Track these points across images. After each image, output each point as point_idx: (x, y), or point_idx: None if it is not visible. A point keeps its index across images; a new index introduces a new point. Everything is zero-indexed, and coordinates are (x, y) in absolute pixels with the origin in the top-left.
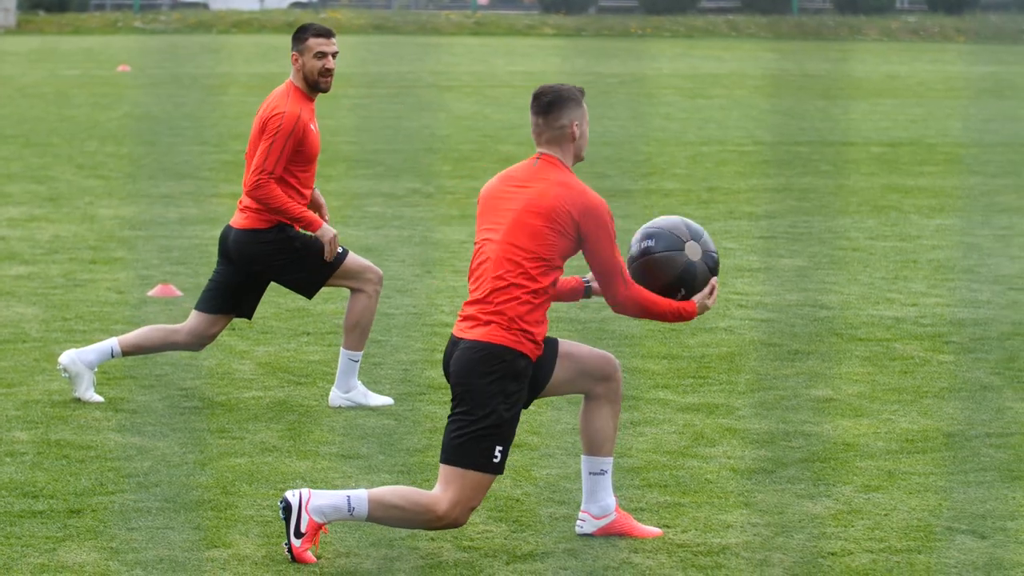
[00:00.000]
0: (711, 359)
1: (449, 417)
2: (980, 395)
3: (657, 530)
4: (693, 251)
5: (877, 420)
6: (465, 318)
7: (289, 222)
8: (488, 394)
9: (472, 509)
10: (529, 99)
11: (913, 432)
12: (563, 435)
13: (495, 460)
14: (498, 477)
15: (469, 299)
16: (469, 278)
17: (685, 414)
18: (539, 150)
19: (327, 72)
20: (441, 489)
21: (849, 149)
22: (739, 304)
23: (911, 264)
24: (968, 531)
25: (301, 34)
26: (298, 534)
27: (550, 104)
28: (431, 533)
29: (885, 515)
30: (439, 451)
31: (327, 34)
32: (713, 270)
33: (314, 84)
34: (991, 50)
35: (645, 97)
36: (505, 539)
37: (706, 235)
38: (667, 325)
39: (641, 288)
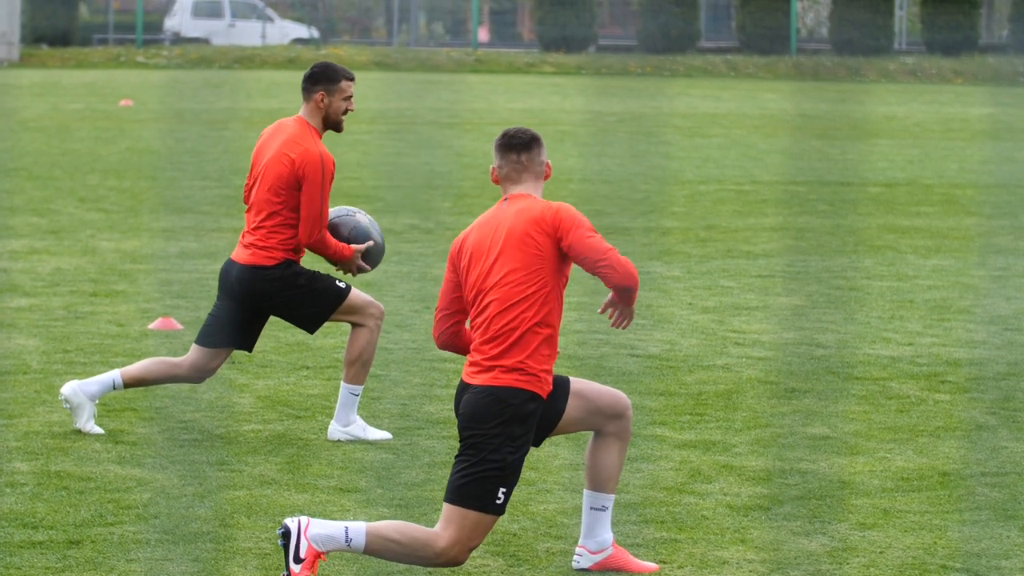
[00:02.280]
0: (708, 396)
1: (456, 458)
2: (976, 434)
3: (653, 565)
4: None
5: (873, 458)
6: (472, 363)
7: (334, 260)
8: (494, 438)
9: (471, 549)
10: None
11: (909, 470)
12: (560, 471)
13: (498, 502)
14: None
15: (475, 343)
16: (471, 323)
17: (682, 451)
18: (513, 190)
19: (347, 113)
20: (442, 527)
21: (846, 189)
22: (736, 342)
23: (907, 304)
24: (963, 569)
25: (333, 75)
26: (297, 559)
27: (531, 141)
28: (429, 567)
29: (880, 553)
30: (437, 485)
31: (354, 78)
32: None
33: (335, 124)
34: (988, 92)
35: (644, 136)
36: (502, 573)
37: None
38: (664, 362)
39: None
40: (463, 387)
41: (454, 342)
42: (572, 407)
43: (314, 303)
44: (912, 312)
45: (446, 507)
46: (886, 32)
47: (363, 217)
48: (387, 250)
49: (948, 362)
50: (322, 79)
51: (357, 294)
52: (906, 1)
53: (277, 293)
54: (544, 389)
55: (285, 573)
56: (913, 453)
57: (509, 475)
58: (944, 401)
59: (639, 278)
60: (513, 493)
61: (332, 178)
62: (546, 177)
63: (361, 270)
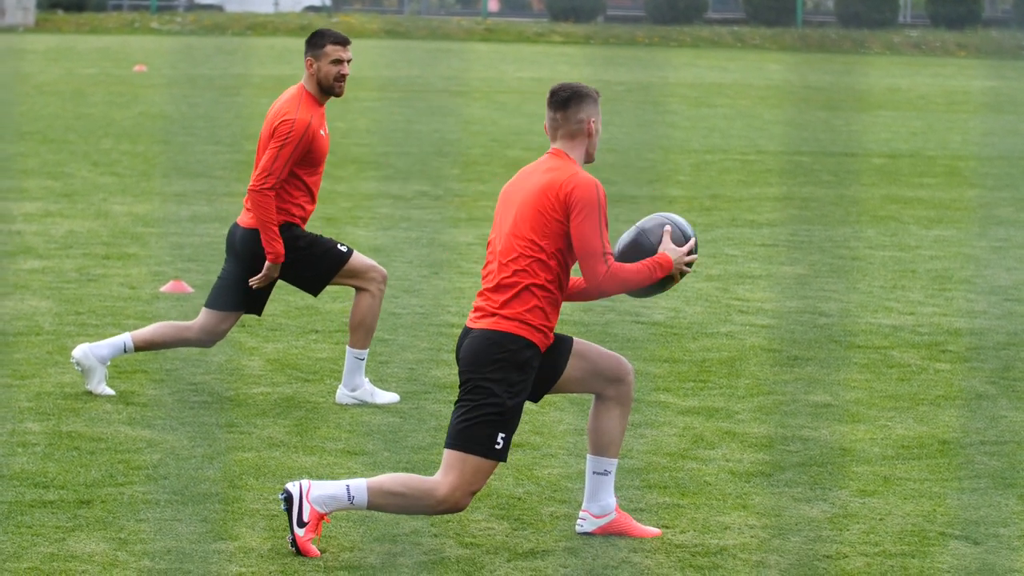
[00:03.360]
0: (712, 363)
1: (455, 404)
2: (975, 403)
3: (656, 530)
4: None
5: (874, 426)
6: (476, 308)
7: (263, 233)
8: (491, 381)
9: (473, 493)
10: (538, 104)
11: (909, 439)
12: (565, 435)
13: (497, 447)
14: (500, 475)
15: (481, 290)
16: (483, 269)
17: (685, 417)
18: (552, 146)
19: (341, 78)
20: (443, 474)
21: (850, 160)
22: (740, 310)
23: (909, 274)
24: (962, 537)
25: (318, 40)
26: (300, 523)
27: (568, 99)
28: (434, 528)
29: (880, 520)
30: (444, 449)
31: (344, 42)
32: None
33: (328, 89)
34: (991, 65)
35: (651, 105)
36: (506, 536)
37: (681, 223)
38: (668, 329)
39: (621, 264)
40: (464, 332)
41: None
42: (572, 367)
43: (315, 266)
44: (914, 282)
45: (447, 453)
46: (891, 5)
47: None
48: (395, 216)
49: (949, 332)
50: (309, 45)
51: (359, 258)
52: None
53: None
54: (543, 341)
55: (290, 537)
56: (913, 421)
57: (508, 420)
58: (944, 370)
59: (616, 285)
60: (518, 458)
61: (304, 146)
62: (588, 135)
63: (267, 279)
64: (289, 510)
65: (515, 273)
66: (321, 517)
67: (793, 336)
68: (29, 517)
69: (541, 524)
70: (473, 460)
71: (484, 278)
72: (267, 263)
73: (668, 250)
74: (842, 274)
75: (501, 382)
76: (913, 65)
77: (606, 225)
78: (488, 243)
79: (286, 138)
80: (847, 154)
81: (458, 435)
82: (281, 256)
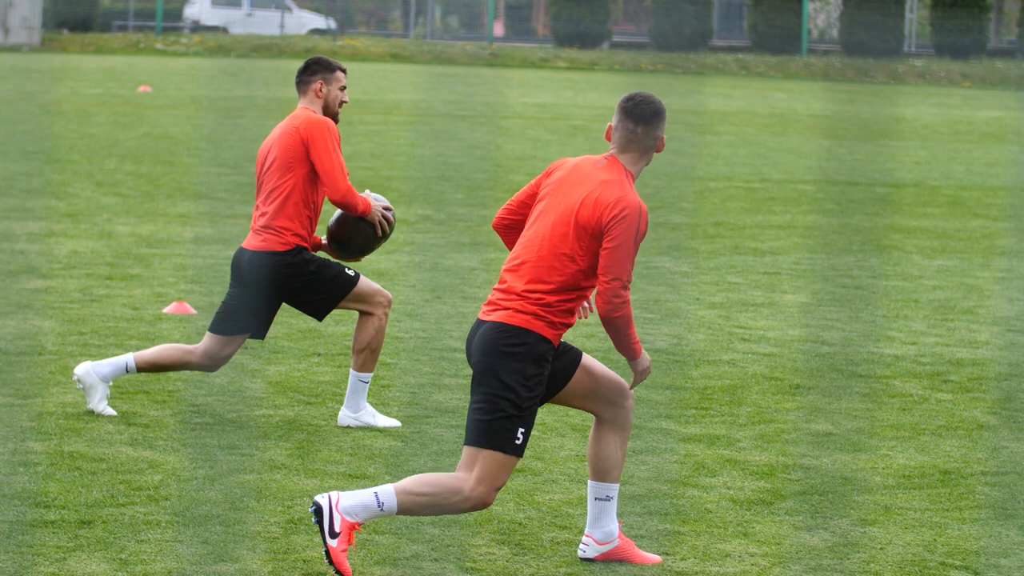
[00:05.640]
0: (713, 391)
1: (471, 400)
2: (977, 434)
3: (657, 557)
4: None
5: (875, 455)
6: (492, 301)
7: (364, 214)
8: (509, 373)
9: (498, 489)
10: (542, 129)
11: (910, 468)
12: (566, 461)
13: (517, 442)
14: (501, 500)
15: (501, 281)
16: (511, 254)
17: (687, 444)
18: (613, 152)
19: (342, 105)
20: (465, 470)
21: (854, 189)
22: (742, 338)
23: (912, 303)
24: (962, 567)
25: (328, 65)
26: (332, 534)
27: (654, 114)
28: (435, 552)
29: (881, 549)
30: (463, 446)
31: (346, 70)
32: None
33: (333, 114)
34: (995, 95)
35: None
36: (507, 561)
37: None
38: (671, 356)
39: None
40: (477, 325)
41: (503, 234)
42: (578, 379)
43: (323, 290)
44: (916, 312)
45: (466, 450)
46: (896, 34)
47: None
48: (399, 239)
49: (951, 362)
50: (320, 68)
51: (366, 282)
52: (916, 4)
53: (287, 279)
54: (556, 339)
55: (324, 549)
56: (915, 451)
57: (525, 415)
58: (946, 400)
59: (617, 317)
60: (519, 483)
61: (338, 141)
62: (659, 150)
63: (386, 219)
64: (320, 522)
65: (544, 273)
66: (353, 527)
67: (795, 365)
68: (30, 537)
69: (542, 550)
70: (495, 456)
71: (508, 269)
72: (372, 213)
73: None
74: (845, 303)
75: (517, 374)
76: (917, 94)
77: (635, 252)
78: (527, 222)
79: (328, 137)
80: (851, 183)
81: (478, 431)
82: (367, 204)
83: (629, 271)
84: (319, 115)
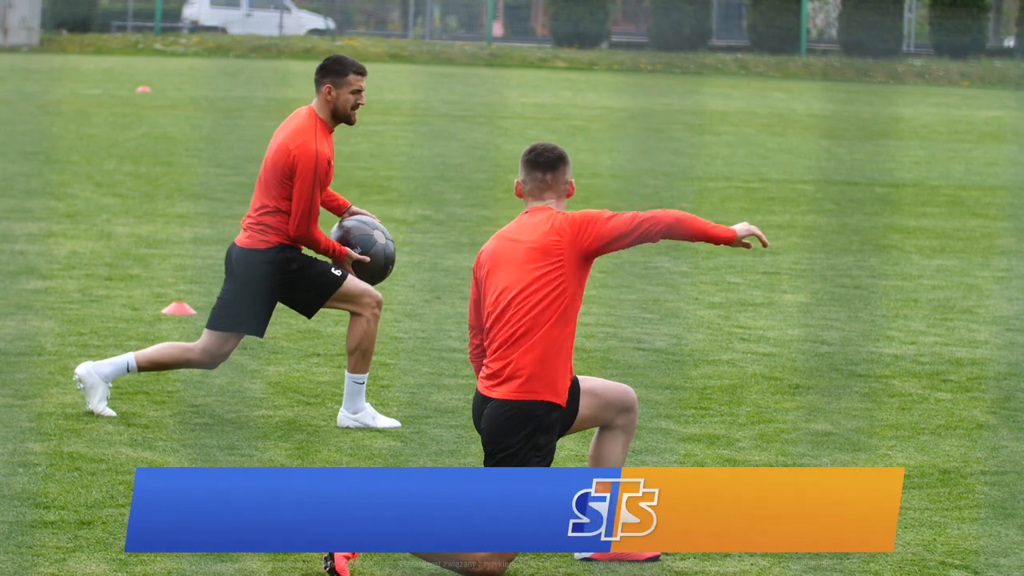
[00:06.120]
0: (713, 391)
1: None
2: (976, 433)
3: (656, 553)
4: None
5: (874, 455)
6: (490, 375)
7: (326, 255)
8: (521, 451)
9: (509, 561)
10: (541, 129)
11: (909, 468)
12: (567, 462)
13: None
14: None
15: (491, 353)
16: (488, 333)
17: (686, 444)
18: (531, 205)
19: (357, 107)
20: None
21: (853, 188)
22: (742, 338)
23: (911, 303)
24: (962, 567)
25: (340, 67)
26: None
27: (558, 160)
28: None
29: None
30: None
31: (364, 72)
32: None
33: (344, 118)
34: (994, 95)
35: (654, 132)
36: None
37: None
38: (670, 356)
39: (666, 212)
40: (481, 400)
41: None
42: (585, 406)
43: (308, 288)
44: (916, 311)
45: None
46: (895, 34)
47: (380, 235)
48: (397, 240)
49: (950, 361)
50: (330, 72)
51: (353, 282)
52: (915, 3)
53: (270, 276)
54: (563, 398)
55: (325, 556)
56: (914, 451)
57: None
58: (946, 400)
59: (683, 215)
60: None
61: (326, 176)
62: (569, 195)
63: (348, 267)
64: None
65: (535, 328)
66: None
67: (795, 364)
68: (30, 537)
69: None
70: None
71: (494, 341)
72: (341, 260)
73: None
74: (844, 303)
75: (530, 448)
76: (916, 94)
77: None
78: (492, 305)
79: (313, 175)
80: (850, 183)
81: None
82: (338, 247)
83: (634, 215)
84: (312, 142)
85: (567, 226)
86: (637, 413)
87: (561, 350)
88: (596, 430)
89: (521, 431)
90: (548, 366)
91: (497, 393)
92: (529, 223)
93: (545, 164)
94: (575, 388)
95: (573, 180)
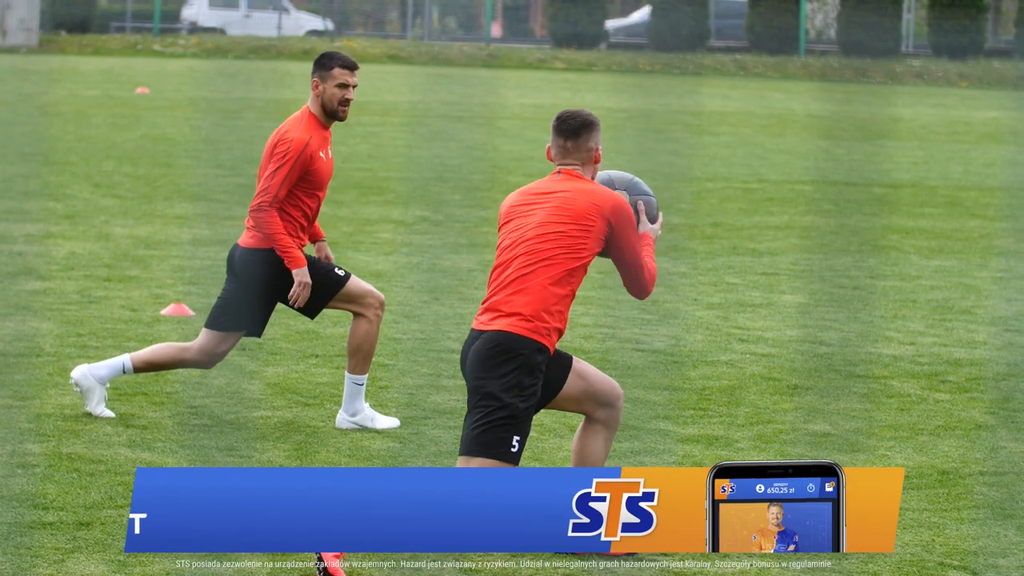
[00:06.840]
0: (712, 392)
1: (468, 411)
2: (975, 434)
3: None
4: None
5: (873, 456)
6: (486, 310)
7: (276, 247)
8: (505, 387)
9: None
10: (539, 130)
11: (908, 468)
12: (565, 462)
13: (512, 450)
14: None
15: (493, 291)
16: (490, 278)
17: (685, 445)
18: (560, 165)
19: (346, 103)
20: None
21: (851, 189)
22: (740, 339)
23: (910, 303)
24: (960, 567)
25: (327, 62)
26: None
27: (580, 127)
28: (434, 552)
29: None
30: (458, 456)
31: (352, 67)
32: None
33: (332, 113)
34: (993, 96)
35: (652, 133)
36: (505, 560)
37: (637, 182)
38: (669, 357)
39: (652, 264)
40: (472, 339)
41: None
42: (571, 384)
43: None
44: (914, 312)
45: (461, 460)
46: (893, 35)
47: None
48: (396, 240)
49: (949, 362)
50: (317, 65)
51: (356, 283)
52: (914, 4)
53: (272, 277)
54: (551, 345)
55: (317, 559)
56: (913, 451)
57: (520, 423)
58: (944, 400)
59: (654, 270)
60: None
61: (302, 166)
62: (596, 162)
63: (302, 286)
64: None
65: (540, 271)
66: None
67: (793, 365)
68: (28, 538)
69: None
70: (489, 464)
71: (495, 282)
72: (294, 272)
73: (649, 230)
74: (843, 303)
75: (513, 388)
76: (915, 95)
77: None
78: (500, 252)
79: (284, 156)
80: (848, 183)
81: (473, 441)
82: (302, 261)
83: (644, 256)
84: (298, 131)
85: (610, 204)
86: (620, 410)
87: (555, 306)
88: (579, 425)
89: (507, 366)
90: (541, 315)
91: (489, 327)
92: (565, 184)
93: (567, 131)
94: (567, 363)
95: (599, 147)
